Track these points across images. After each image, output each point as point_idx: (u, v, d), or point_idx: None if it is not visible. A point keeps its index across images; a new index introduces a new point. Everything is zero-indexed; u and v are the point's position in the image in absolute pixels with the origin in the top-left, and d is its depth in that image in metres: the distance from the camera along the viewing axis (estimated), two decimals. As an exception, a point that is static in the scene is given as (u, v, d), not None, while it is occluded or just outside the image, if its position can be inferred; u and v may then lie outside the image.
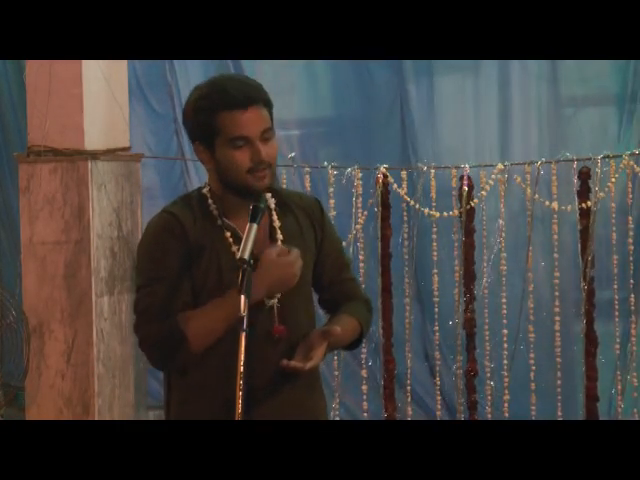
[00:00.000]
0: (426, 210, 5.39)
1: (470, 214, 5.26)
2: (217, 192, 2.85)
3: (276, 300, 2.82)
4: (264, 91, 2.82)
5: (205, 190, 2.87)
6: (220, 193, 2.84)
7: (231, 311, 2.67)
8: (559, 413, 5.22)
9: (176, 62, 6.23)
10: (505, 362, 5.31)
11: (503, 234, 5.29)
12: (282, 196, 2.91)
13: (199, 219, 2.83)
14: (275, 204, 2.88)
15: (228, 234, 2.81)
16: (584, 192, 5.10)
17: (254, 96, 2.77)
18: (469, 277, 5.31)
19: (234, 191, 2.80)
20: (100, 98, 5.20)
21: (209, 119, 2.77)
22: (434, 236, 5.42)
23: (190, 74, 6.26)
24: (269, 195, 2.87)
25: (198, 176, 6.33)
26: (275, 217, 2.87)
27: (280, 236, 2.85)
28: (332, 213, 5.21)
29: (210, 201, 2.85)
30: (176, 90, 6.27)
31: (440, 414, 5.56)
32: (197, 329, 2.76)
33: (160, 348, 2.79)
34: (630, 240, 5.17)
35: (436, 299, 5.44)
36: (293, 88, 5.86)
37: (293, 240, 2.85)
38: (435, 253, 5.44)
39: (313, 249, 2.91)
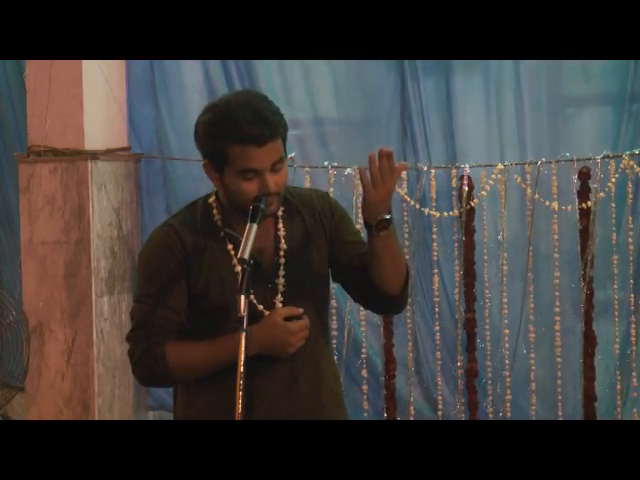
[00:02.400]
0: (426, 210, 5.38)
1: (470, 214, 5.26)
2: (224, 203, 2.84)
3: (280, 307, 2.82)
4: (280, 121, 2.74)
5: (211, 200, 2.87)
6: (226, 204, 2.83)
7: (220, 356, 2.74)
8: (559, 413, 5.22)
9: (158, 61, 6.12)
10: (506, 362, 5.30)
11: (503, 234, 5.29)
12: (290, 201, 2.89)
13: (202, 230, 2.84)
14: (282, 211, 2.87)
15: (230, 246, 2.81)
16: (584, 192, 5.09)
17: (268, 134, 2.70)
18: (469, 277, 5.31)
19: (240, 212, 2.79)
20: (100, 98, 5.20)
21: (220, 149, 2.73)
22: (434, 236, 5.42)
23: (171, 72, 6.18)
24: None
25: (182, 177, 6.26)
26: (281, 225, 2.86)
27: (284, 245, 2.84)
28: (332, 213, 5.20)
29: (215, 211, 2.85)
30: (159, 89, 6.16)
31: (440, 414, 5.56)
32: (181, 364, 2.81)
33: (142, 368, 2.85)
34: (630, 240, 5.16)
35: (436, 299, 5.44)
36: (293, 88, 5.84)
37: (298, 248, 2.85)
38: (435, 253, 5.43)
39: (324, 247, 2.90)
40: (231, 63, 5.99)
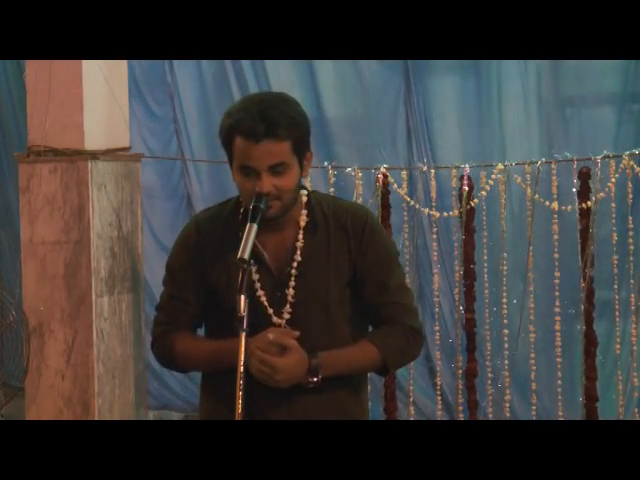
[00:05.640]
0: (426, 210, 5.39)
1: (470, 214, 5.26)
2: None
3: (284, 321, 2.81)
4: (290, 124, 2.72)
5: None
6: None
7: (222, 360, 2.76)
8: (560, 413, 5.22)
9: (175, 62, 6.22)
10: (506, 362, 5.30)
11: (504, 234, 5.29)
12: (318, 213, 2.86)
13: (225, 227, 2.86)
14: (306, 222, 2.85)
15: None
16: (584, 192, 5.09)
17: (271, 131, 2.69)
18: (469, 277, 5.31)
19: None
20: (100, 98, 5.20)
21: (226, 140, 2.77)
22: (434, 236, 5.42)
23: (190, 74, 6.26)
24: (304, 212, 2.84)
25: (198, 177, 6.33)
26: (300, 236, 2.84)
27: (298, 257, 2.83)
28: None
29: (242, 210, 2.85)
30: (175, 90, 6.26)
31: (440, 414, 5.56)
32: (187, 356, 2.89)
33: (155, 350, 2.97)
34: (630, 240, 5.16)
35: (436, 299, 5.45)
36: (294, 88, 5.85)
37: (315, 262, 2.83)
38: (435, 253, 5.44)
39: (346, 268, 2.84)
40: (234, 63, 6.03)
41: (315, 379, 2.76)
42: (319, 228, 2.85)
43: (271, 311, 2.80)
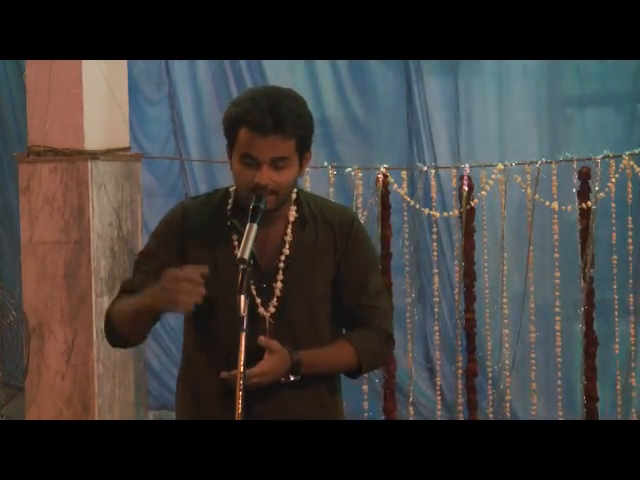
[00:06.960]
0: (426, 210, 5.39)
1: (470, 214, 5.26)
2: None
3: (268, 314, 2.82)
4: (296, 122, 2.74)
5: (232, 188, 2.88)
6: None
7: (141, 303, 2.73)
8: (559, 413, 5.22)
9: (173, 62, 6.21)
10: (507, 362, 5.31)
11: (504, 234, 5.29)
12: (306, 209, 2.88)
13: (212, 215, 2.86)
14: (295, 218, 2.86)
15: (235, 237, 2.81)
16: (584, 192, 5.10)
17: (280, 128, 2.71)
18: (469, 277, 5.31)
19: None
20: (100, 98, 5.20)
21: (231, 128, 2.77)
22: (434, 236, 5.42)
23: (187, 74, 6.25)
24: (293, 208, 2.86)
25: (196, 176, 6.32)
26: (289, 231, 2.85)
27: (287, 251, 2.84)
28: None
29: (231, 200, 2.86)
30: (173, 90, 6.26)
31: (440, 414, 5.56)
32: (117, 315, 2.83)
33: (104, 325, 2.91)
34: (630, 240, 5.16)
35: (436, 299, 5.45)
36: (293, 88, 5.85)
37: (303, 257, 2.84)
38: (435, 253, 5.44)
39: (331, 266, 2.86)
40: (232, 63, 6.03)
41: (294, 377, 2.78)
42: (308, 224, 2.87)
43: (258, 301, 2.80)
